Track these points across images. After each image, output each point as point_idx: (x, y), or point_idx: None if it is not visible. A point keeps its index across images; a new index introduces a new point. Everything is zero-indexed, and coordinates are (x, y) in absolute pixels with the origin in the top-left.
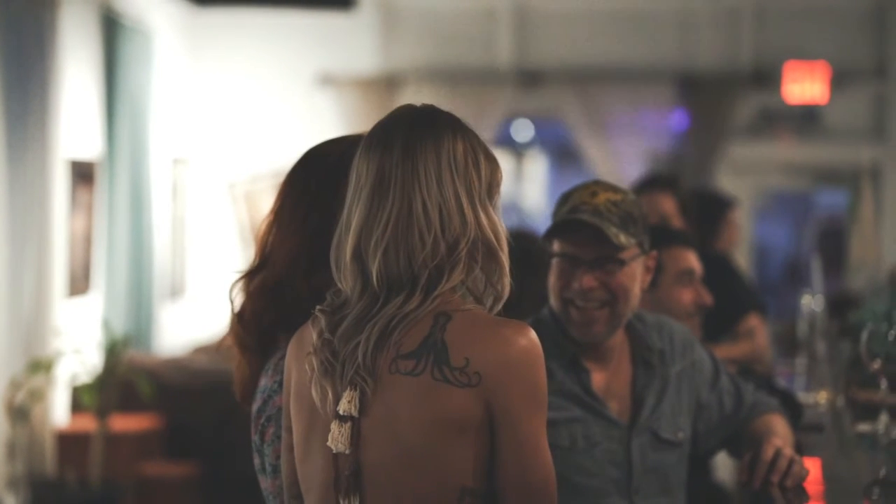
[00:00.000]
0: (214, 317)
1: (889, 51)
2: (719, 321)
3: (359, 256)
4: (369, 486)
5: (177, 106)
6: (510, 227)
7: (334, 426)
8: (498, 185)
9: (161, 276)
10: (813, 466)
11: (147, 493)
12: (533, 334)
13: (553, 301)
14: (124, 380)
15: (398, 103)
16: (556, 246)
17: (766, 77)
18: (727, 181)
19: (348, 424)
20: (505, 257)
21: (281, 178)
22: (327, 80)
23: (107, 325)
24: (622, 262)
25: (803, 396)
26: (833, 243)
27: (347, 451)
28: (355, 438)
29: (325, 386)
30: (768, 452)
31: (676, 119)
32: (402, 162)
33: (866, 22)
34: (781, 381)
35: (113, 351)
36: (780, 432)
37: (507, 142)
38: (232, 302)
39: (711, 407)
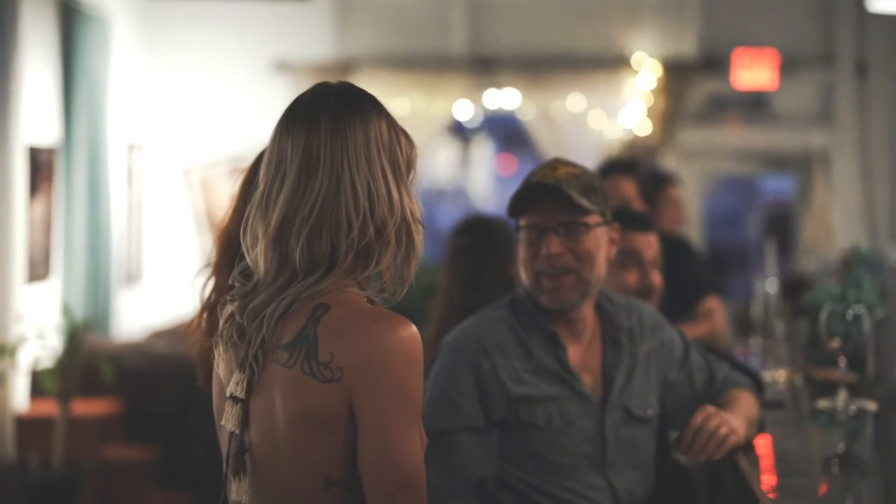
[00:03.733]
0: (171, 302)
1: (837, 38)
2: (678, 303)
3: (281, 236)
4: (253, 467)
5: (133, 92)
6: (471, 214)
7: (228, 405)
8: (414, 165)
9: (118, 261)
10: (772, 442)
11: (108, 477)
12: (410, 331)
13: (524, 275)
14: (85, 364)
15: None
16: (521, 220)
17: (716, 64)
18: (677, 166)
19: (238, 405)
20: (420, 240)
21: (237, 165)
22: (283, 67)
23: (67, 310)
24: (587, 227)
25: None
26: (780, 227)
27: (237, 431)
28: (243, 419)
29: (228, 365)
30: (697, 419)
31: (626, 105)
32: (330, 139)
33: (814, 9)
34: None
35: (74, 336)
36: (740, 407)
37: (456, 128)
38: (203, 288)
39: (681, 384)
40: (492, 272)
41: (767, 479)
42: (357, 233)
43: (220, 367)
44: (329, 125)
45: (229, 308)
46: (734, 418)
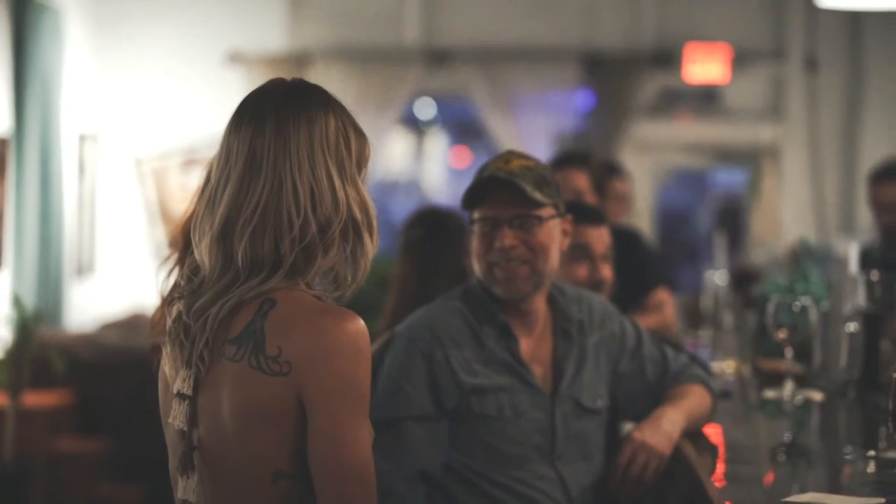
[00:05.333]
0: (123, 293)
1: (787, 33)
2: (628, 295)
3: (224, 235)
4: (202, 465)
5: (86, 82)
6: (425, 205)
7: (175, 403)
8: (367, 159)
9: (70, 252)
10: (720, 432)
11: (60, 469)
12: (357, 325)
13: (477, 266)
14: (36, 356)
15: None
16: (475, 213)
17: (668, 58)
18: (629, 159)
19: (186, 402)
20: (371, 236)
21: (189, 156)
22: (236, 59)
23: (17, 301)
24: (540, 219)
25: (711, 366)
26: (731, 220)
27: (185, 429)
28: (191, 416)
29: (174, 364)
30: (624, 455)
31: (581, 98)
32: (274, 140)
33: (765, 4)
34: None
35: (24, 327)
36: (686, 403)
37: (410, 120)
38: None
39: (632, 375)
40: (445, 264)
41: (715, 468)
42: (298, 232)
43: (166, 364)
44: (273, 125)
45: (177, 306)
46: (668, 421)
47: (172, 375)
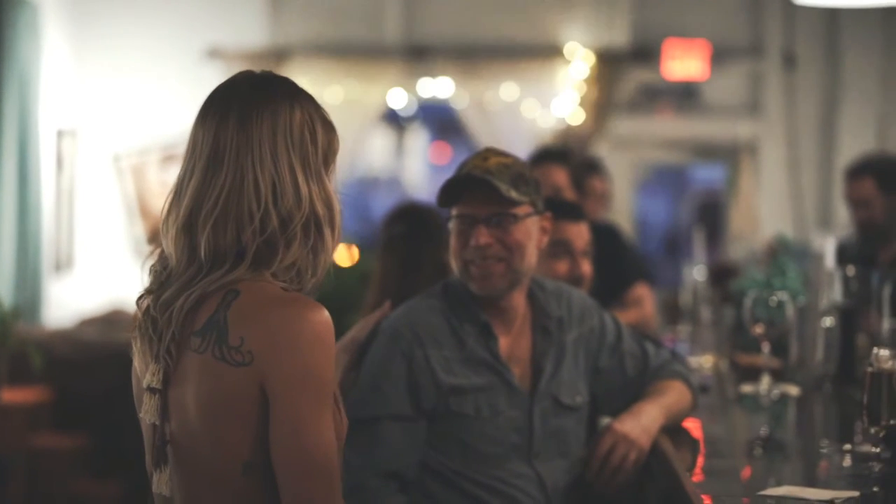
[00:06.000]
0: (101, 289)
1: (765, 29)
2: (608, 290)
3: (189, 227)
4: (174, 458)
5: (64, 78)
6: (405, 201)
7: (146, 397)
8: (335, 153)
9: (48, 248)
10: (698, 426)
11: (38, 465)
12: (320, 315)
13: (454, 264)
14: (14, 352)
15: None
16: (453, 211)
17: (647, 54)
18: (608, 156)
19: (156, 396)
20: (332, 233)
21: (168, 151)
22: (215, 54)
23: None
24: (515, 218)
25: (690, 361)
26: (710, 216)
27: (157, 423)
28: (163, 410)
29: (144, 358)
30: (604, 444)
31: (559, 95)
32: (237, 134)
33: (744, 1)
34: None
35: (2, 323)
36: (664, 399)
37: (390, 116)
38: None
39: (612, 371)
40: (426, 259)
41: (693, 462)
42: (259, 224)
43: (136, 359)
44: (237, 118)
45: (146, 300)
46: (647, 416)
47: (143, 369)
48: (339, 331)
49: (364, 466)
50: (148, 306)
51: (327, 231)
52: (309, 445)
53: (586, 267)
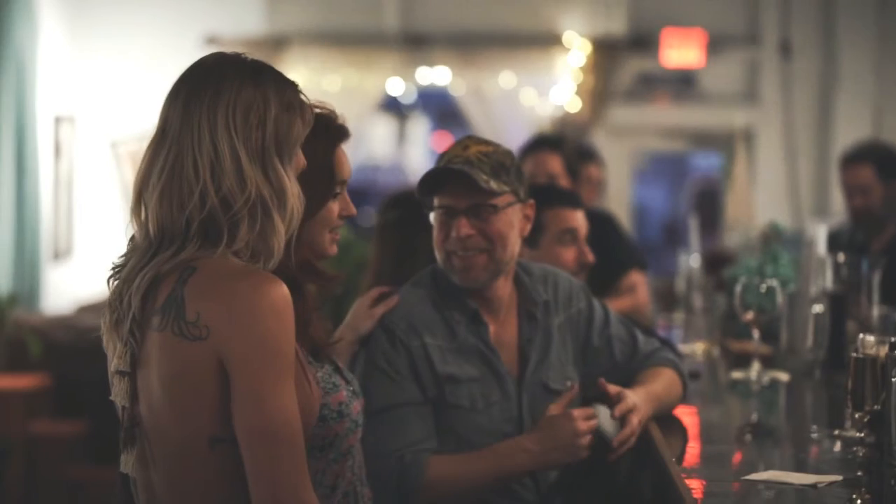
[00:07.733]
0: (100, 276)
1: (762, 18)
2: (602, 278)
3: (139, 202)
4: (145, 438)
5: (61, 65)
6: (399, 188)
7: (116, 380)
8: (295, 139)
9: (46, 235)
10: (690, 412)
11: (36, 451)
12: (276, 287)
13: (437, 254)
14: (12, 339)
15: (285, 65)
16: (434, 201)
17: (644, 43)
18: (606, 144)
19: (126, 379)
20: (283, 218)
21: None
22: (213, 41)
23: None
24: (496, 208)
25: (682, 348)
26: (708, 204)
27: (127, 405)
28: (132, 393)
29: (112, 338)
30: (614, 390)
31: (557, 83)
32: (182, 112)
33: None
34: (661, 334)
35: (0, 310)
36: (653, 385)
37: (391, 104)
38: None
39: (601, 351)
40: (420, 245)
41: (683, 449)
42: (198, 202)
43: (105, 342)
44: (183, 97)
45: (114, 279)
46: (636, 395)
47: (112, 351)
48: (337, 317)
49: (397, 446)
50: (116, 285)
51: (276, 216)
52: (270, 417)
53: (589, 253)
